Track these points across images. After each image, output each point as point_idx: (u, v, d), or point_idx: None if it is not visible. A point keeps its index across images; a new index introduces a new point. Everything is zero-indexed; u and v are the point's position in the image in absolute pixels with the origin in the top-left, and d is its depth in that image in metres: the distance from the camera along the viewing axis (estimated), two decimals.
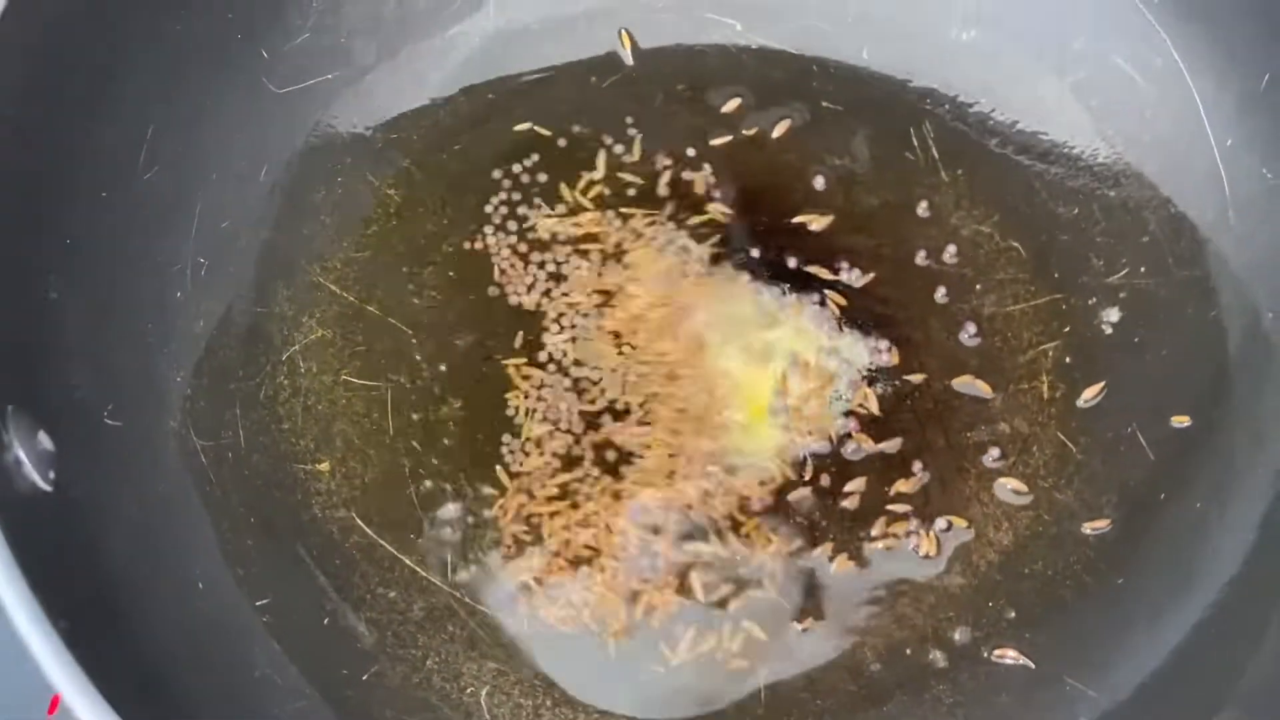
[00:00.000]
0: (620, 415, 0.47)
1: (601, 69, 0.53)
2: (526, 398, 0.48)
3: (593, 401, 0.48)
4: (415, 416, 0.47)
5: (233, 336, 0.47)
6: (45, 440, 0.35)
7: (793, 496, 0.46)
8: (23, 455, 0.33)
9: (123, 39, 0.43)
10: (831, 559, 0.45)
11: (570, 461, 0.47)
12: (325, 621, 0.43)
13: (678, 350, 0.49)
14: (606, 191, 0.51)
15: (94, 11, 0.41)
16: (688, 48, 0.54)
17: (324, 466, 0.46)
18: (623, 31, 0.54)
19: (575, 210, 0.51)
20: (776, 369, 0.48)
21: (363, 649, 0.43)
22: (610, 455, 0.47)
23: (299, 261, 0.49)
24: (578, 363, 0.48)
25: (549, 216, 0.51)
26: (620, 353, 0.48)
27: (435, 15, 0.52)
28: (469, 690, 0.43)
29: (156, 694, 0.33)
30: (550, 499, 0.46)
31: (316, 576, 0.44)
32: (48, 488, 0.34)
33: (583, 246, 0.50)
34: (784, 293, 0.49)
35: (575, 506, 0.46)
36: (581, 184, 0.51)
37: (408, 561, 0.45)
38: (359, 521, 0.46)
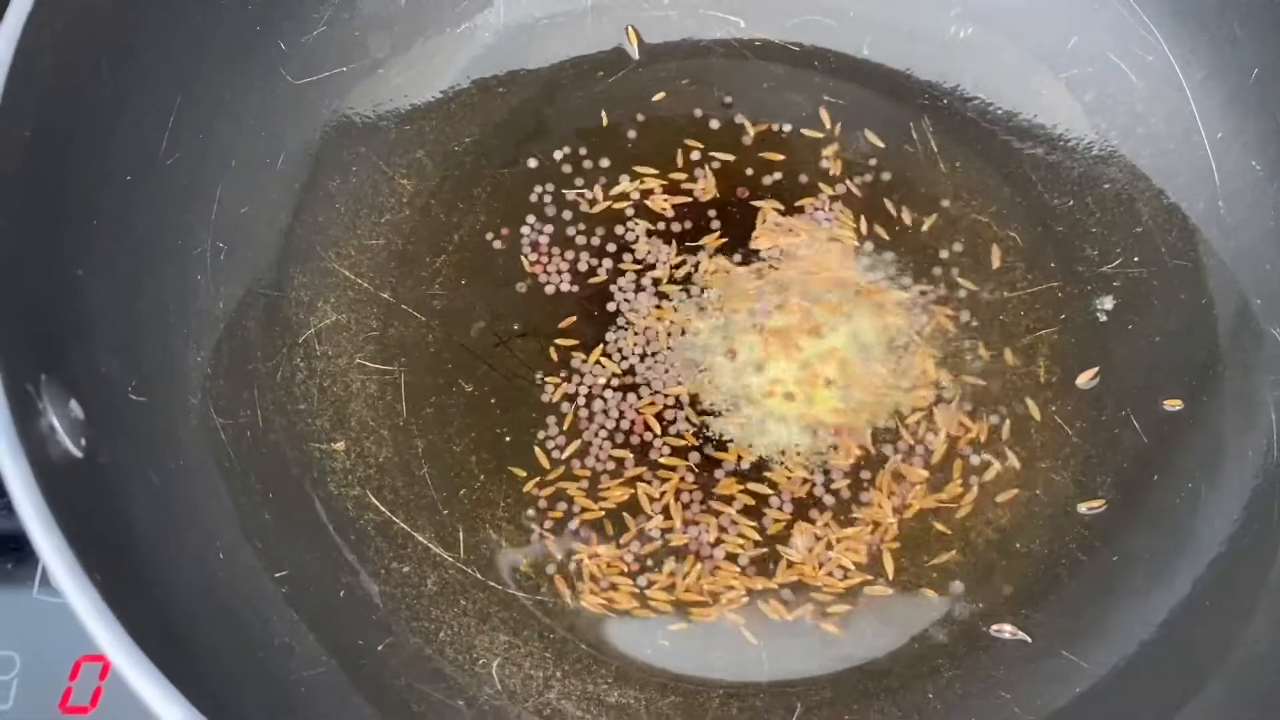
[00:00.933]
0: (677, 405, 0.49)
1: (608, 64, 0.55)
2: (568, 381, 0.49)
3: (646, 384, 0.49)
4: (428, 400, 0.49)
5: (251, 319, 0.48)
6: (76, 409, 0.36)
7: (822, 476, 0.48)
8: (56, 422, 0.34)
9: (147, 29, 0.44)
10: (829, 534, 0.47)
11: (613, 446, 0.48)
12: (341, 593, 0.44)
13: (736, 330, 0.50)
14: (628, 188, 0.52)
15: (120, 3, 0.42)
16: (692, 44, 0.55)
17: (339, 446, 0.47)
18: (629, 28, 0.55)
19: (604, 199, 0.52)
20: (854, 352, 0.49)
21: (377, 620, 0.44)
22: (655, 440, 0.48)
23: (314, 248, 0.50)
24: (620, 351, 0.49)
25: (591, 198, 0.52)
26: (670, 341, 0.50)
27: (446, 10, 0.54)
28: (481, 662, 0.44)
29: (181, 655, 0.34)
30: (583, 481, 0.47)
31: (332, 550, 0.45)
32: (79, 454, 0.35)
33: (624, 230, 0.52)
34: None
35: (613, 488, 0.47)
36: (600, 177, 0.53)
37: (420, 538, 0.46)
38: (373, 499, 0.47)
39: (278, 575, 0.42)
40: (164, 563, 0.37)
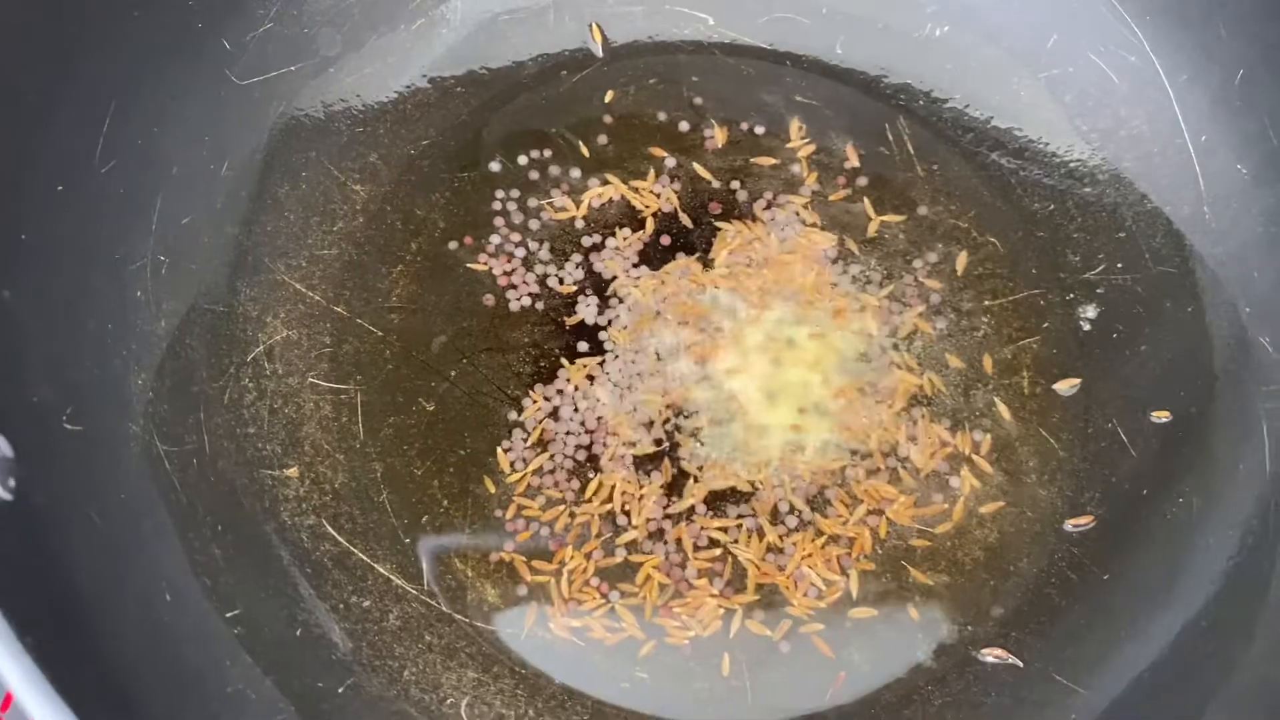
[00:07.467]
0: (646, 417, 0.46)
1: (571, 63, 0.52)
2: (535, 396, 0.47)
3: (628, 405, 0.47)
4: (386, 420, 0.46)
5: (195, 337, 0.45)
6: (4, 446, 0.33)
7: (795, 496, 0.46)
8: None
9: (78, 27, 0.41)
10: (800, 550, 0.45)
11: (583, 464, 0.46)
12: (298, 633, 0.41)
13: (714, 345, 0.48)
14: (594, 194, 0.50)
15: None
16: (659, 42, 0.53)
17: (292, 472, 0.45)
18: (593, 25, 0.53)
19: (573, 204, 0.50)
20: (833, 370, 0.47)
21: (337, 660, 0.41)
22: (624, 454, 0.46)
23: (263, 259, 0.47)
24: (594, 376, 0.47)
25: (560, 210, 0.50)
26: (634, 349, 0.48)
27: (402, 6, 0.51)
28: (449, 701, 0.42)
29: (126, 714, 0.31)
30: (551, 499, 0.45)
31: (287, 586, 0.42)
32: (8, 496, 0.32)
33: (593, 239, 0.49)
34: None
35: (582, 505, 0.45)
36: (565, 183, 0.50)
37: (381, 570, 0.44)
38: (330, 529, 0.44)
39: (229, 615, 0.39)
40: (106, 611, 0.34)
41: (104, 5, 0.41)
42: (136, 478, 0.40)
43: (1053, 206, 0.50)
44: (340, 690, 0.41)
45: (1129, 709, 0.41)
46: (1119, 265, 0.49)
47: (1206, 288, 0.48)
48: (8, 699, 0.42)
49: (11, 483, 0.32)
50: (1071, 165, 0.51)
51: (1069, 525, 0.46)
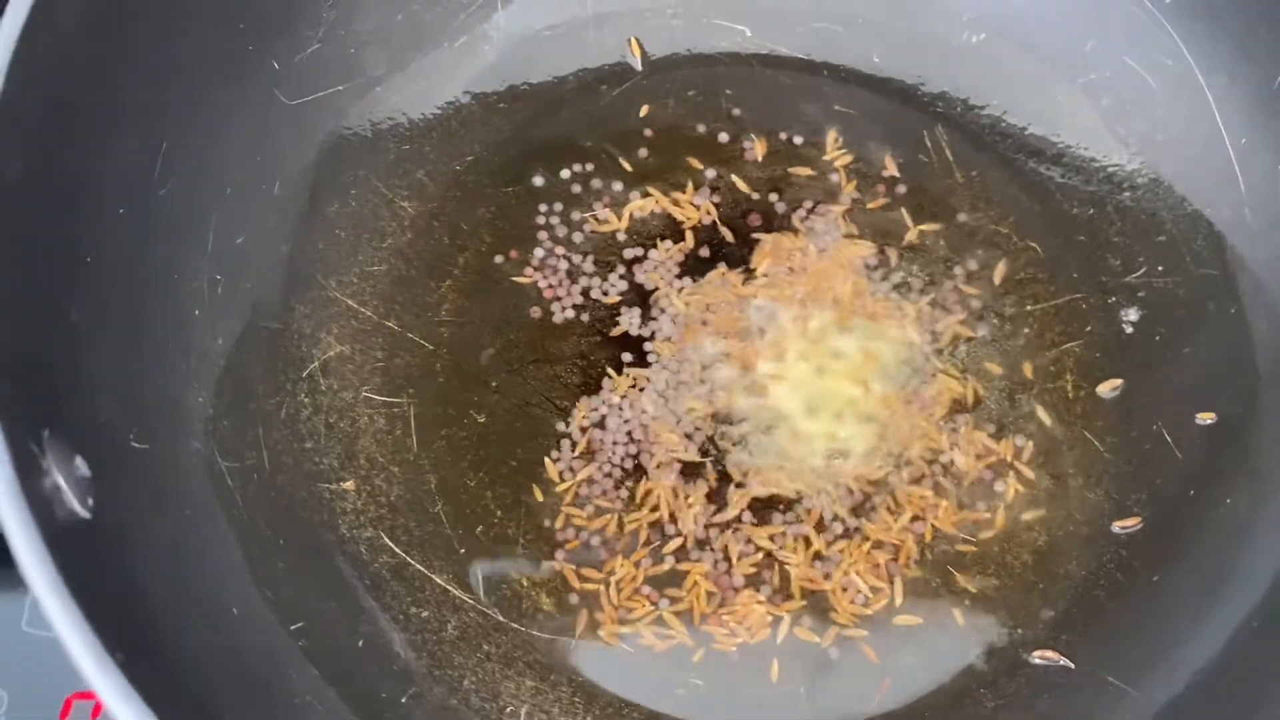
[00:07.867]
0: (691, 427, 0.47)
1: (611, 77, 0.53)
2: (582, 407, 0.47)
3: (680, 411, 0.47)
4: (439, 432, 0.47)
5: (252, 354, 0.46)
6: (82, 465, 0.33)
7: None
8: (62, 481, 0.32)
9: (135, 53, 0.41)
10: (846, 558, 0.45)
11: (630, 473, 0.46)
12: (360, 644, 0.42)
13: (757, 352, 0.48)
14: (637, 207, 0.51)
15: (107, 27, 0.40)
16: (697, 54, 0.54)
17: (349, 485, 0.45)
18: (632, 39, 0.53)
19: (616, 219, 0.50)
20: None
21: (399, 670, 0.42)
22: (671, 463, 0.46)
23: (315, 276, 0.48)
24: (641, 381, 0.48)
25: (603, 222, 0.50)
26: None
27: (444, 24, 0.52)
28: (508, 709, 0.43)
29: None
30: (601, 508, 0.46)
31: (348, 598, 0.43)
32: (87, 515, 0.33)
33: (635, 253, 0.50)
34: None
35: (631, 513, 0.46)
36: (607, 196, 0.51)
37: (438, 580, 0.44)
38: (387, 540, 0.45)
39: (294, 628, 0.40)
40: (178, 626, 0.35)
41: (163, 30, 0.42)
42: (200, 493, 0.41)
43: (1092, 211, 0.51)
44: (403, 700, 0.41)
45: (1181, 710, 0.41)
46: (1160, 269, 0.49)
47: (1248, 290, 0.48)
48: (68, 705, 0.43)
49: (90, 501, 0.33)
50: (1110, 170, 0.51)
51: (1116, 528, 0.46)
